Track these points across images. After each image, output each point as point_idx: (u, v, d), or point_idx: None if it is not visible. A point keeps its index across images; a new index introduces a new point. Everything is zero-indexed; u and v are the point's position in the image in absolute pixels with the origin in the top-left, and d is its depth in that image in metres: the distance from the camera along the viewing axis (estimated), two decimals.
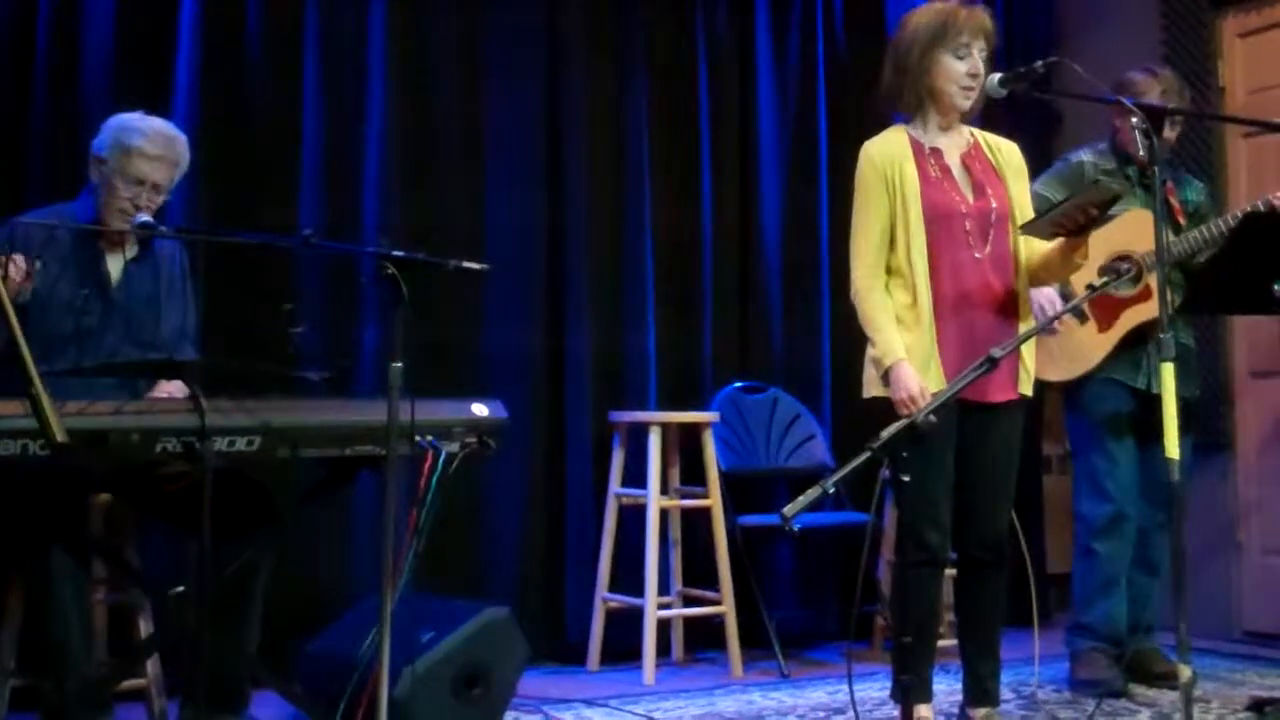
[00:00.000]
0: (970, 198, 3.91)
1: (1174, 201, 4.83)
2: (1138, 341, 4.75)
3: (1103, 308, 4.71)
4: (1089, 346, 4.76)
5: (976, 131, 4.07)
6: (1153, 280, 4.63)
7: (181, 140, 4.03)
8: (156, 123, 4.02)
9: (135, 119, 3.99)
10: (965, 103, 3.92)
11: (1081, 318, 4.75)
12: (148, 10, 4.96)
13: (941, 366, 3.80)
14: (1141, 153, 3.55)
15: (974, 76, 3.89)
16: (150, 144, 3.92)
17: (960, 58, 3.89)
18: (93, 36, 4.85)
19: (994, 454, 3.92)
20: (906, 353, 3.79)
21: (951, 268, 3.85)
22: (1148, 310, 4.70)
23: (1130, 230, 4.69)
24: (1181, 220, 4.79)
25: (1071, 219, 3.78)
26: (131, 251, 4.02)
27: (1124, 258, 4.64)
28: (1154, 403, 4.74)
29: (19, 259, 3.57)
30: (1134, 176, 4.90)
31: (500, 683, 4.24)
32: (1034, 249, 3.96)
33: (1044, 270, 3.98)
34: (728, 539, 5.39)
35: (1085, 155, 4.96)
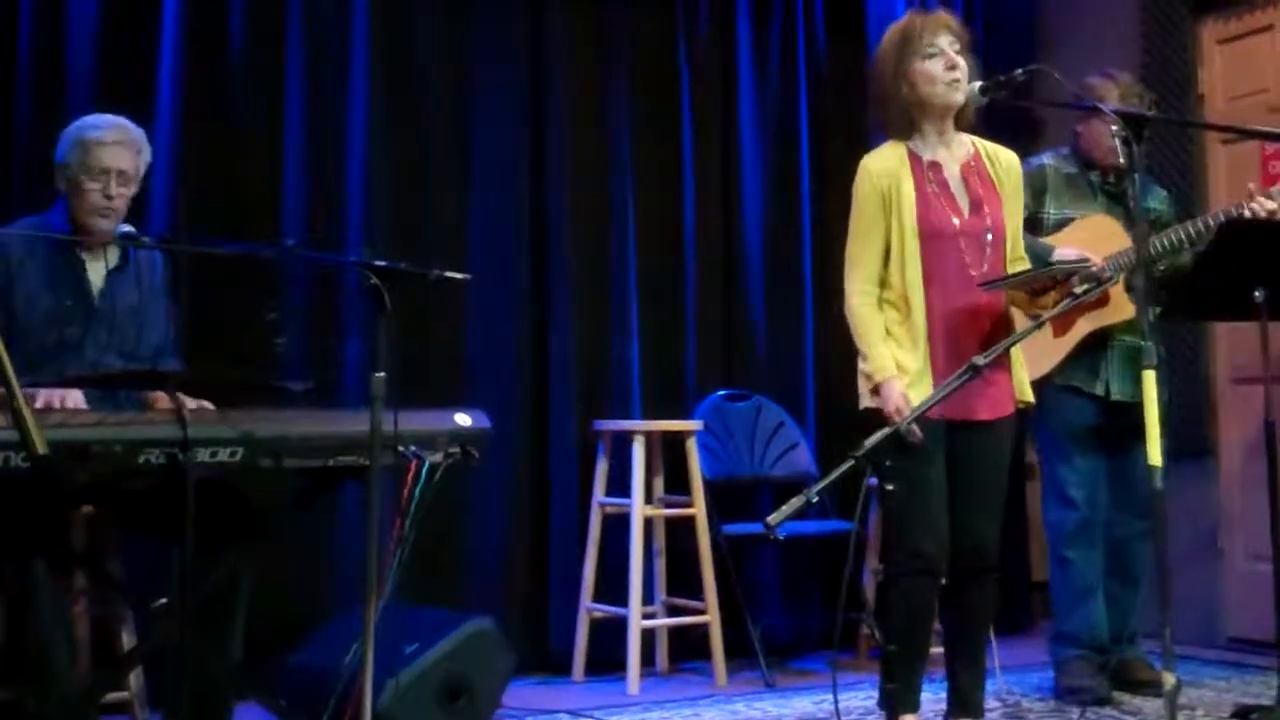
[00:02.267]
0: (966, 214, 3.90)
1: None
2: (1095, 347, 4.75)
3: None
4: (1044, 351, 4.73)
5: (977, 141, 4.05)
6: (1110, 287, 4.63)
7: (136, 129, 4.05)
8: (108, 116, 4.05)
9: (88, 118, 4.03)
10: (956, 95, 3.87)
11: (1038, 326, 4.73)
12: (130, 20, 4.95)
13: (934, 384, 3.78)
14: (1121, 160, 3.58)
15: (952, 69, 3.86)
16: (105, 133, 3.95)
17: (931, 56, 3.88)
18: (75, 47, 4.84)
19: (984, 467, 3.91)
20: (899, 369, 3.79)
21: (945, 285, 3.85)
22: (1105, 316, 4.71)
23: (1088, 235, 4.69)
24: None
25: (1028, 286, 3.90)
26: (113, 261, 4.01)
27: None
28: (1115, 410, 4.78)
29: (76, 395, 3.60)
30: (1096, 182, 4.90)
31: (484, 694, 4.23)
32: None
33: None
34: (712, 548, 5.39)
35: (1048, 159, 4.96)
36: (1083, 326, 4.73)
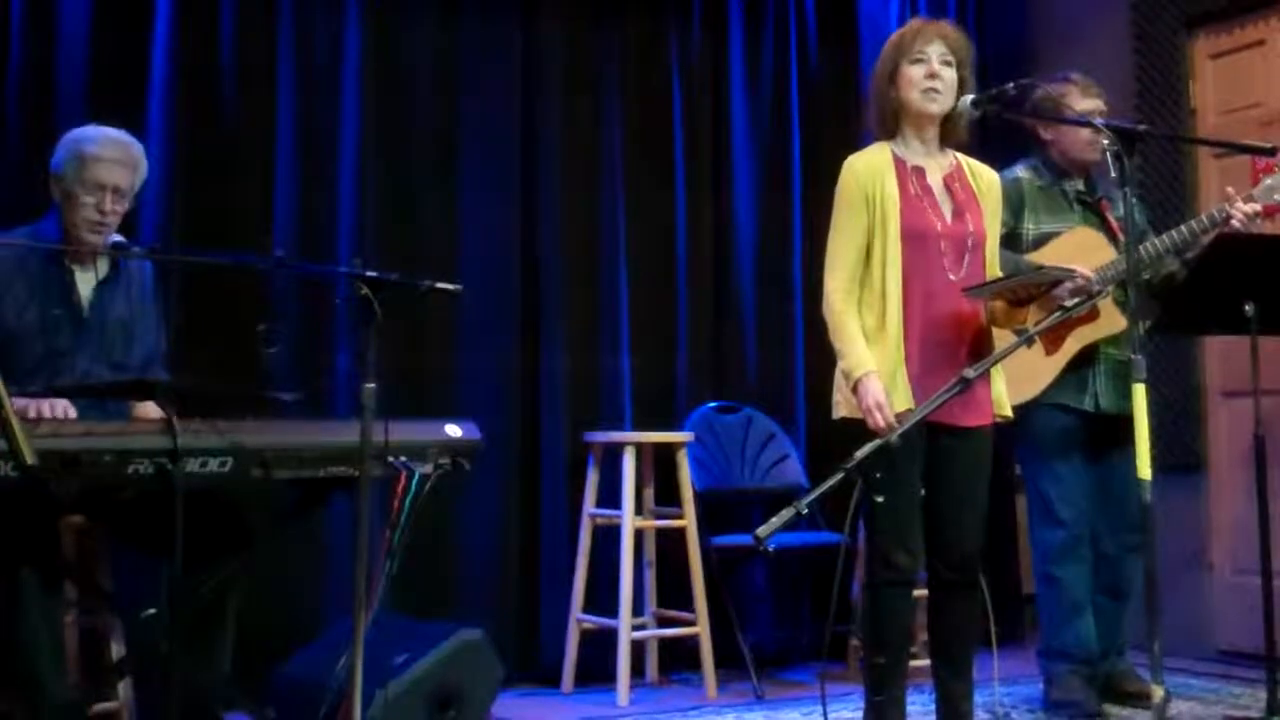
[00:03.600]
0: (949, 219, 3.91)
1: (1111, 219, 4.83)
2: (1082, 362, 4.74)
3: (1050, 329, 4.68)
4: (1038, 369, 4.70)
5: (960, 156, 4.06)
6: (1099, 301, 4.61)
7: (136, 145, 4.04)
8: (109, 130, 4.03)
9: (88, 129, 4.01)
10: (931, 105, 3.88)
11: (1029, 340, 4.72)
12: (121, 33, 4.96)
13: (909, 384, 3.80)
14: (1113, 174, 3.59)
15: (932, 78, 3.87)
16: (104, 149, 3.94)
17: (917, 62, 3.89)
18: (66, 56, 4.84)
19: (964, 475, 3.91)
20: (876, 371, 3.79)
21: (924, 288, 3.85)
22: (1095, 331, 4.69)
23: (1074, 249, 4.68)
24: (1121, 238, 4.77)
25: (1013, 293, 3.88)
26: (103, 272, 4.01)
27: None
28: (1102, 423, 4.77)
29: (64, 404, 3.61)
30: (1070, 193, 4.88)
31: (474, 705, 4.22)
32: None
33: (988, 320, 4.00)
34: (702, 559, 5.39)
35: (1021, 171, 4.91)
36: (1073, 343, 4.70)
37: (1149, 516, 3.30)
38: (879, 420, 3.70)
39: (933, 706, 4.04)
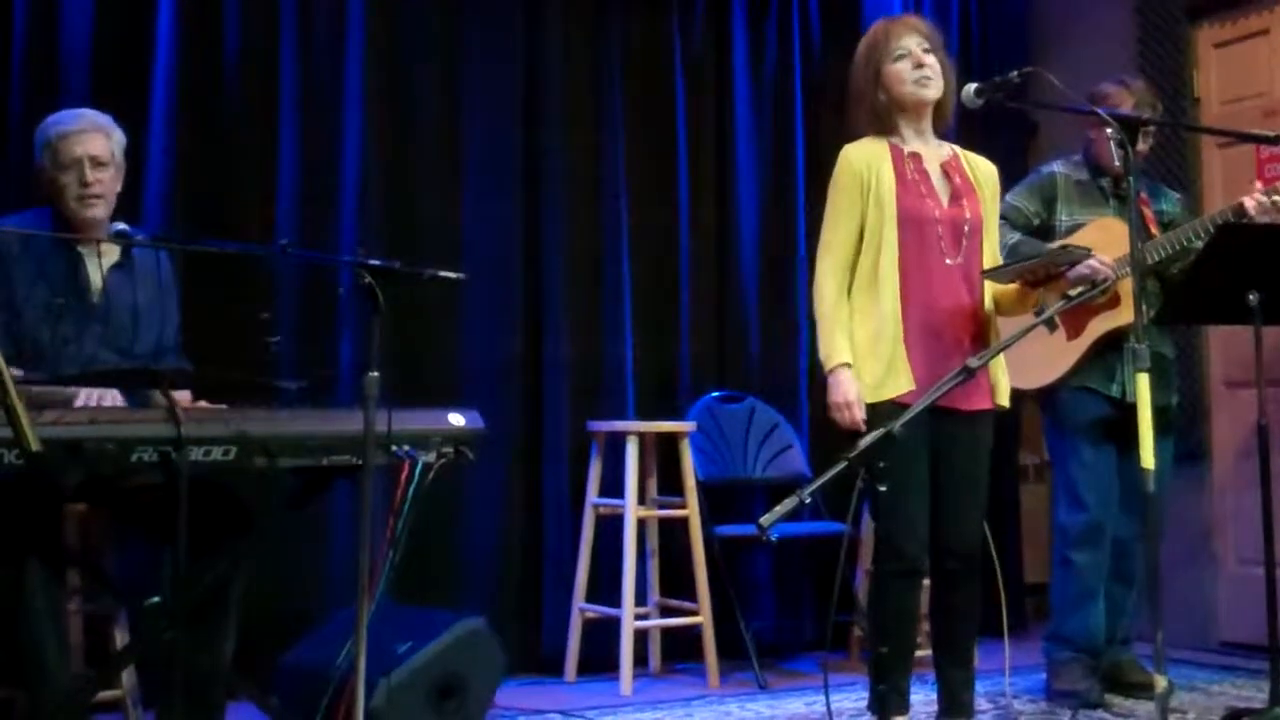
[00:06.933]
0: (945, 204, 3.93)
1: (1148, 212, 4.83)
2: (1110, 349, 4.75)
3: (1071, 315, 4.70)
4: (1058, 354, 4.75)
5: (958, 148, 4.09)
6: (1121, 288, 4.63)
7: (102, 115, 4.04)
8: (72, 110, 4.07)
9: (51, 117, 4.03)
10: (926, 91, 3.94)
11: (1050, 325, 4.74)
12: (124, 24, 4.95)
13: (910, 369, 3.80)
14: (1116, 163, 3.60)
15: (920, 67, 3.93)
16: (67, 125, 3.95)
17: (899, 59, 3.94)
18: (70, 51, 4.83)
19: (965, 463, 3.92)
20: (873, 355, 3.81)
21: (922, 273, 3.86)
22: (1116, 318, 4.70)
23: (1099, 238, 4.69)
24: (1155, 231, 4.78)
25: (1034, 273, 3.87)
26: (112, 259, 4.00)
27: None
28: (1130, 411, 4.76)
29: (112, 394, 3.63)
30: (1107, 188, 4.90)
31: (476, 694, 4.23)
32: (990, 285, 3.98)
33: (993, 308, 4.00)
34: (705, 549, 5.39)
35: (1058, 167, 4.96)
36: (1094, 329, 4.72)
37: (1151, 506, 3.31)
38: (845, 419, 3.74)
39: (935, 695, 4.05)
